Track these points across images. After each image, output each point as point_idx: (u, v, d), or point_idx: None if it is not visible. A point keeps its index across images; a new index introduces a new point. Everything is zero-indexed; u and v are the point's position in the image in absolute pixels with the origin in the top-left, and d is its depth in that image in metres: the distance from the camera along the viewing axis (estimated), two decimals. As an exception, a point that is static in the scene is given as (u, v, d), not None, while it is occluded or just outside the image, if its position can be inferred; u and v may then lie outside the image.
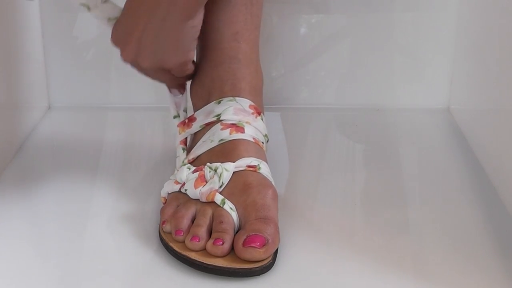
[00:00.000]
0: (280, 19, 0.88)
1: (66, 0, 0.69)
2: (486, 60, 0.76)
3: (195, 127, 0.67)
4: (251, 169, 0.62)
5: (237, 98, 0.66)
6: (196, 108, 0.69)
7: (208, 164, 0.63)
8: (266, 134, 0.68)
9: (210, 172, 0.62)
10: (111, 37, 0.63)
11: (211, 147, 0.64)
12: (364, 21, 0.88)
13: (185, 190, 0.62)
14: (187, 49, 0.63)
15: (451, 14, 0.87)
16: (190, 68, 0.66)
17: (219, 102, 0.66)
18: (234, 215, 0.59)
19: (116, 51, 0.64)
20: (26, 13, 0.84)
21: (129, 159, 0.78)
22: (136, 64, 0.64)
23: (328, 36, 0.89)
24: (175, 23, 0.59)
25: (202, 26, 0.66)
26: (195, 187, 0.61)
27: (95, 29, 0.89)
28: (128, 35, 0.61)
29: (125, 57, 0.63)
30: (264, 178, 0.62)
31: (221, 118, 0.66)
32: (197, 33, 0.62)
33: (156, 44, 0.61)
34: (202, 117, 0.67)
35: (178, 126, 0.69)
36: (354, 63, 0.90)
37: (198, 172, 0.62)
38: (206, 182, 0.61)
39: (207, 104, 0.67)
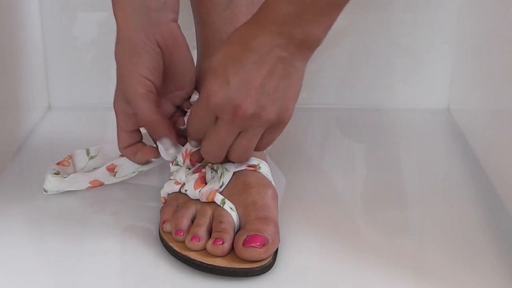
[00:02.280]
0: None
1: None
2: (486, 60, 0.76)
3: None
4: (251, 168, 0.62)
5: None
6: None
7: (208, 164, 0.63)
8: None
9: (212, 173, 0.62)
10: (214, 98, 0.56)
11: None
12: (364, 21, 0.88)
13: (185, 190, 0.62)
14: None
15: (451, 14, 0.87)
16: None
17: None
18: (234, 215, 0.59)
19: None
20: (26, 13, 0.84)
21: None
22: (257, 117, 0.56)
23: (328, 37, 0.88)
24: (297, 66, 0.56)
25: (203, 26, 0.66)
26: (195, 188, 0.61)
27: (95, 29, 0.89)
28: (245, 87, 0.55)
29: (267, 119, 0.57)
30: (264, 178, 0.62)
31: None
32: None
33: (279, 93, 0.56)
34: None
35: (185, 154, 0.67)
36: (354, 63, 0.90)
37: (198, 173, 0.63)
38: (206, 184, 0.62)
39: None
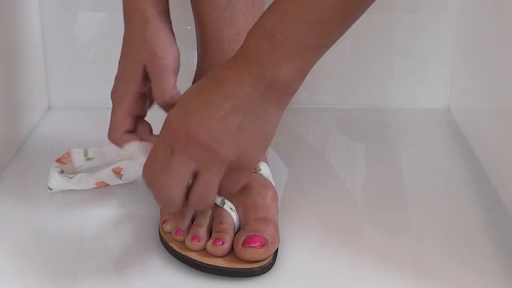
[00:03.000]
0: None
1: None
2: (486, 60, 0.76)
3: None
4: (251, 170, 0.62)
5: None
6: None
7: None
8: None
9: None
10: (170, 126, 0.54)
11: None
12: (364, 22, 0.88)
13: (185, 190, 0.62)
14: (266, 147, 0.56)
15: (451, 15, 0.87)
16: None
17: None
18: (234, 215, 0.59)
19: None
20: (26, 13, 0.84)
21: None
22: (212, 150, 0.52)
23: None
24: (268, 109, 0.52)
25: (203, 26, 0.66)
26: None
27: (95, 29, 0.89)
28: (205, 116, 0.52)
29: (225, 156, 0.52)
30: (264, 179, 0.62)
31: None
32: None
33: (242, 132, 0.52)
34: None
35: None
36: (354, 64, 0.90)
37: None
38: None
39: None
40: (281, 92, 0.52)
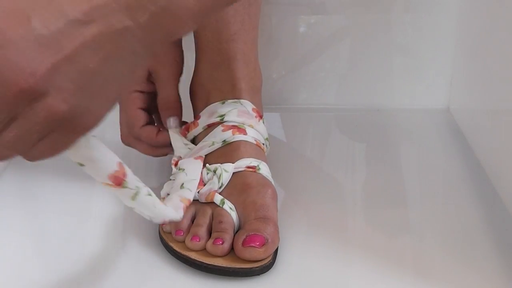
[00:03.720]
0: (280, 20, 0.88)
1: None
2: (486, 60, 0.76)
3: (199, 128, 0.67)
4: (250, 169, 0.62)
5: (241, 100, 0.66)
6: (196, 109, 0.69)
7: (207, 165, 0.63)
8: (267, 138, 0.68)
9: (208, 174, 0.62)
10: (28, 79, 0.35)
11: (214, 149, 0.64)
12: (363, 22, 0.88)
13: (185, 191, 0.62)
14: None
15: (451, 15, 0.87)
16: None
17: (223, 103, 0.66)
18: (233, 214, 0.59)
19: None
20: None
21: (128, 159, 0.77)
22: (38, 97, 0.37)
23: (327, 37, 0.89)
24: (139, 53, 0.39)
25: (200, 27, 0.67)
26: (193, 189, 0.61)
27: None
28: (53, 47, 0.36)
29: (57, 110, 0.37)
30: (264, 178, 0.62)
31: (224, 120, 0.65)
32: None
33: (93, 81, 0.38)
34: (205, 117, 0.67)
35: (183, 130, 0.68)
36: (354, 64, 0.90)
37: (197, 174, 0.62)
38: (204, 185, 0.62)
39: (207, 104, 0.67)
40: (167, 30, 0.38)
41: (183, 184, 0.60)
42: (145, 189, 0.49)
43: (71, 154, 0.44)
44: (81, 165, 0.45)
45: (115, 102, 0.40)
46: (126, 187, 0.48)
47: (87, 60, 0.36)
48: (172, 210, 0.54)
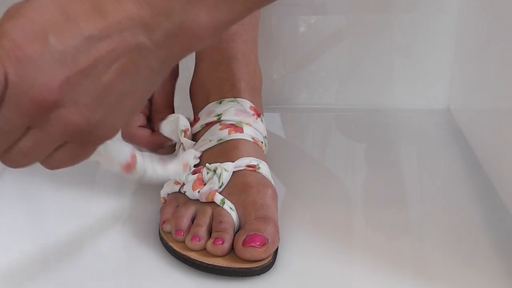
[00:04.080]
0: (280, 20, 0.88)
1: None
2: (486, 61, 0.76)
3: (197, 127, 0.67)
4: (250, 168, 0.62)
5: (238, 99, 0.66)
6: (196, 109, 0.69)
7: (207, 165, 0.63)
8: (265, 136, 0.68)
9: (208, 173, 0.62)
10: (46, 95, 0.37)
11: (209, 146, 0.64)
12: (364, 22, 0.88)
13: (184, 191, 0.62)
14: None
15: (451, 15, 0.87)
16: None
17: (220, 102, 0.66)
18: (233, 214, 0.59)
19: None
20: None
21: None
22: (57, 108, 0.38)
23: (328, 37, 0.89)
24: (155, 69, 0.40)
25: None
26: (193, 189, 0.61)
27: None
28: (69, 61, 0.37)
29: (75, 125, 0.39)
30: (264, 177, 0.62)
31: (221, 119, 0.66)
32: None
33: (110, 96, 0.39)
34: (203, 117, 0.67)
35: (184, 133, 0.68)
36: (354, 64, 0.90)
37: (196, 174, 0.62)
38: (204, 184, 0.62)
39: (207, 104, 0.67)
40: (184, 46, 0.38)
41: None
42: (150, 166, 0.51)
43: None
44: (97, 162, 0.48)
45: (131, 115, 0.41)
46: (135, 172, 0.50)
47: (101, 74, 0.37)
48: (174, 168, 0.57)
